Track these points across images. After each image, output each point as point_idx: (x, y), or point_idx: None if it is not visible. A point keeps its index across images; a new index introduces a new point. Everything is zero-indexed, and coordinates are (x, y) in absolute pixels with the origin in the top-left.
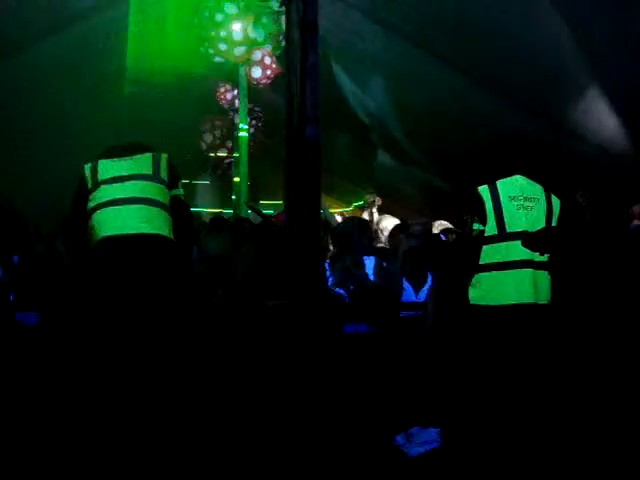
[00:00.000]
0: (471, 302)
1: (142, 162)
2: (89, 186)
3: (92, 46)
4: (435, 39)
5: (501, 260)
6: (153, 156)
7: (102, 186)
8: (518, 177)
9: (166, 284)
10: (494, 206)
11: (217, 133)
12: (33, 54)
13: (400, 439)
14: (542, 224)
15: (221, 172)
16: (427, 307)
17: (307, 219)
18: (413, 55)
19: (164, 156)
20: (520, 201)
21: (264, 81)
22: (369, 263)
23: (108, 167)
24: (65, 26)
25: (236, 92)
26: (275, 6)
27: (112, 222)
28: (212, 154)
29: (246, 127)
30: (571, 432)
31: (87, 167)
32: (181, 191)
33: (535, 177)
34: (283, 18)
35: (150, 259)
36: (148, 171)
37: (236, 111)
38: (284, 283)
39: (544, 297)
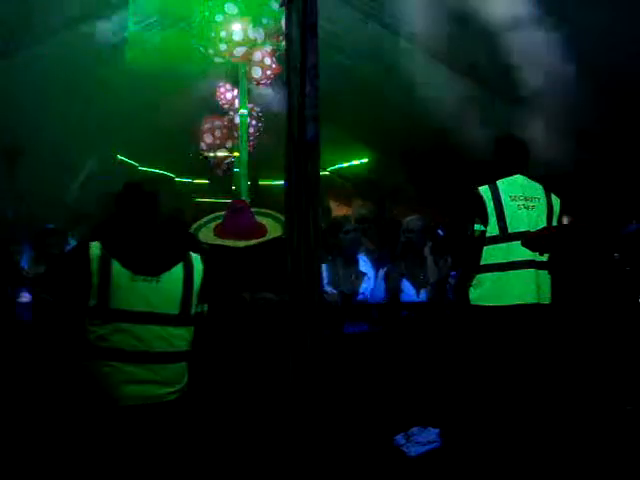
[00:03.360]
0: (472, 302)
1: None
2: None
3: (91, 48)
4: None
5: (503, 261)
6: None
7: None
8: (518, 177)
9: None
10: (495, 206)
11: (217, 133)
12: (32, 55)
13: (400, 439)
14: (543, 224)
15: (221, 172)
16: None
17: (307, 218)
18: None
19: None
20: (521, 201)
21: (264, 81)
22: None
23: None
24: (63, 28)
25: (236, 92)
26: (275, 6)
27: None
28: (212, 154)
29: (246, 127)
30: (572, 432)
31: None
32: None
33: (535, 177)
34: (283, 18)
35: None
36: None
37: (236, 111)
38: (282, 283)
39: (546, 297)
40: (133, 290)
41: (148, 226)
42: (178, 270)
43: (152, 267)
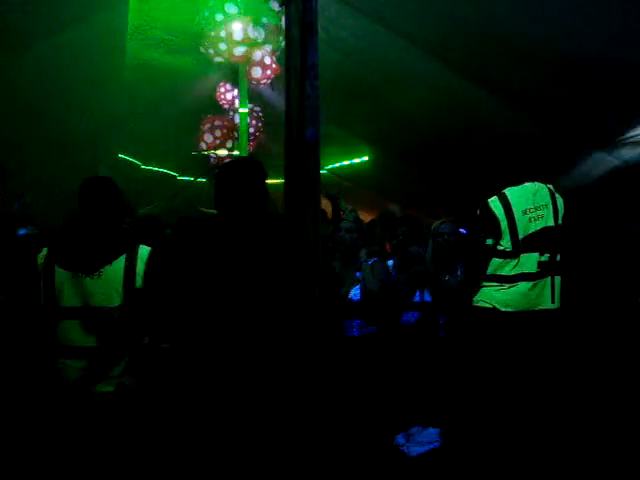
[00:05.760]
0: (473, 304)
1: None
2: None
3: (92, 45)
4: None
5: (511, 273)
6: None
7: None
8: (527, 185)
9: None
10: (509, 224)
11: (217, 133)
12: (33, 53)
13: (400, 439)
14: (551, 225)
15: None
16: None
17: (307, 218)
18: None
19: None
20: (532, 213)
21: (264, 81)
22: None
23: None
24: (64, 25)
25: (236, 92)
26: (275, 6)
27: None
28: (212, 154)
29: (246, 127)
30: (572, 433)
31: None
32: None
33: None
34: (283, 18)
35: None
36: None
37: (236, 111)
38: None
39: (547, 303)
40: (77, 287)
41: (92, 221)
42: (120, 262)
43: (89, 264)
